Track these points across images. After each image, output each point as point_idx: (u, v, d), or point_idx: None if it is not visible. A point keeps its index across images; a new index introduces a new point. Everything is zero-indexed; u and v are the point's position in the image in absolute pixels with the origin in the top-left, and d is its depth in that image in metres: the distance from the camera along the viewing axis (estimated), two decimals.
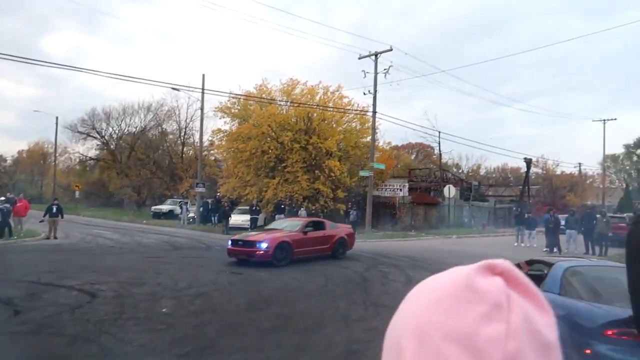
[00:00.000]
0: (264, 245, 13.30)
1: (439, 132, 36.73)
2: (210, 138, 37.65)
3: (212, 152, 41.47)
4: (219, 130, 33.06)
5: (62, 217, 20.32)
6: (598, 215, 20.30)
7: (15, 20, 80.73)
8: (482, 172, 56.23)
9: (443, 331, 0.50)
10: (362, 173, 27.67)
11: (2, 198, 20.55)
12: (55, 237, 19.32)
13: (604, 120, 43.51)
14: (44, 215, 19.78)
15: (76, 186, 42.72)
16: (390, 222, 29.80)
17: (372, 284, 11.19)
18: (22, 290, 9.22)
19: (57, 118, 44.78)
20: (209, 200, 31.06)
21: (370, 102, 27.55)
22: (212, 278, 11.15)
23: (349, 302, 8.92)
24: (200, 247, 18.25)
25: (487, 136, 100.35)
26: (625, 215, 25.57)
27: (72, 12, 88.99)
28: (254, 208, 26.20)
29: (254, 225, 25.78)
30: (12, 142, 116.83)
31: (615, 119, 44.30)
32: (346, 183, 29.05)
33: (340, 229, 16.38)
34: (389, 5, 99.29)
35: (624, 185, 53.24)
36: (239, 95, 31.79)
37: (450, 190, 30.24)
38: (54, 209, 19.93)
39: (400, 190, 31.49)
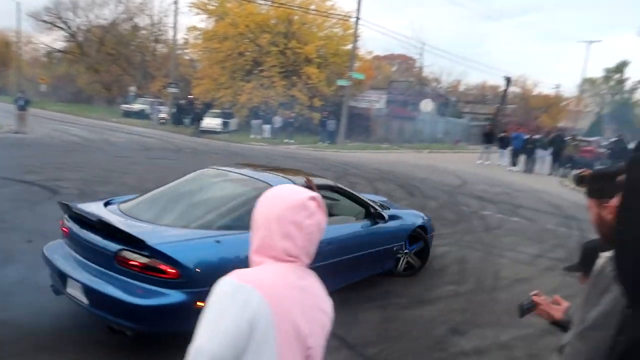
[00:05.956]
0: None
1: (423, 43, 35.70)
2: (185, 36, 35.85)
3: (186, 51, 39.69)
4: (194, 27, 31.40)
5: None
6: (568, 138, 20.80)
7: None
8: (462, 88, 55.56)
9: (290, 219, 1.26)
10: (340, 82, 26.94)
11: None
12: (24, 133, 18.64)
13: (589, 42, 42.92)
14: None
15: (41, 79, 40.83)
16: (365, 133, 29.71)
17: None
18: None
19: (17, 4, 41.79)
20: (182, 102, 30.15)
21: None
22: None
23: None
24: (170, 149, 17.97)
25: (471, 51, 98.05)
26: (593, 139, 26.07)
27: None
28: (226, 112, 25.64)
29: (226, 128, 25.40)
30: None
31: (600, 41, 43.69)
32: (323, 91, 28.42)
33: None
34: None
35: (598, 110, 53.76)
36: None
37: (427, 105, 30.05)
38: (22, 102, 19.11)
39: (378, 102, 31.14)
